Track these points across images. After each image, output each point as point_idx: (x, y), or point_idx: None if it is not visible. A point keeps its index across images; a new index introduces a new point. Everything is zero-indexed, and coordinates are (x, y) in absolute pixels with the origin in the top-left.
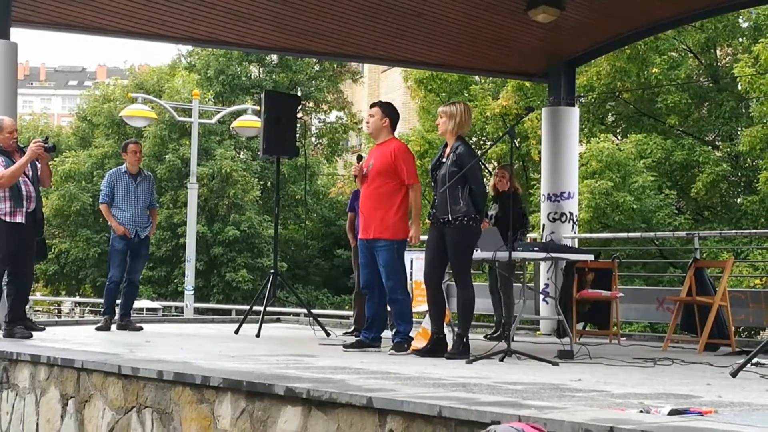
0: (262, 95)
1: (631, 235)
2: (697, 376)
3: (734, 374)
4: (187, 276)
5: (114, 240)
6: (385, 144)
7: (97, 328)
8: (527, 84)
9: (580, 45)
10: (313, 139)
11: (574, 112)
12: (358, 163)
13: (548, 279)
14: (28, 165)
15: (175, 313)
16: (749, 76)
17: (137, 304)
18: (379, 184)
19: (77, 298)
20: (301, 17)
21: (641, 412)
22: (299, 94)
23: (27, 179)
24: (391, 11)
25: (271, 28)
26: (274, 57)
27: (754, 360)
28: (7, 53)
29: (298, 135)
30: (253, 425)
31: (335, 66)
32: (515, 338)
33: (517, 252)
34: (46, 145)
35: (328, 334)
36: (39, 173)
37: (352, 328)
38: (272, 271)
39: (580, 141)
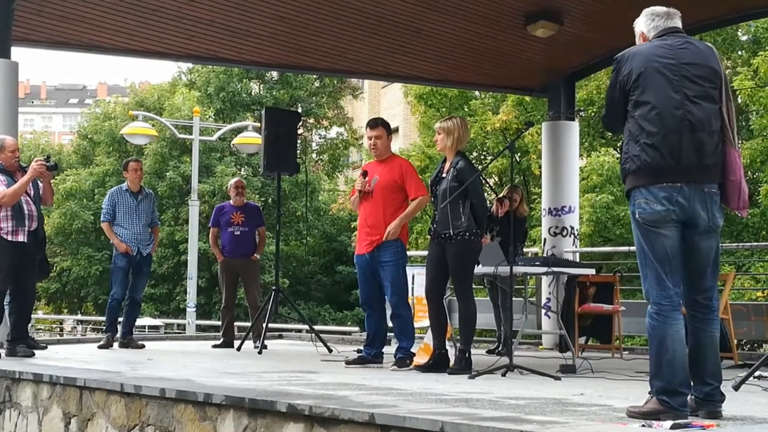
0: (263, 112)
1: (632, 248)
2: None
3: (736, 387)
4: (189, 293)
5: (116, 258)
6: (389, 160)
7: (100, 346)
8: (527, 99)
9: (579, 59)
10: (314, 155)
11: (574, 127)
12: (363, 178)
13: (550, 293)
14: (30, 184)
15: (177, 331)
16: (749, 89)
17: (139, 321)
18: (385, 199)
19: (79, 317)
20: (299, 33)
21: (643, 426)
22: (300, 110)
23: (29, 198)
24: (389, 27)
25: (270, 44)
26: (275, 73)
27: (757, 373)
28: (7, 72)
29: (298, 151)
30: None
31: (335, 82)
32: (517, 353)
33: (519, 266)
34: (48, 164)
35: (330, 350)
36: (41, 192)
37: (221, 340)
38: (274, 287)
39: (581, 155)
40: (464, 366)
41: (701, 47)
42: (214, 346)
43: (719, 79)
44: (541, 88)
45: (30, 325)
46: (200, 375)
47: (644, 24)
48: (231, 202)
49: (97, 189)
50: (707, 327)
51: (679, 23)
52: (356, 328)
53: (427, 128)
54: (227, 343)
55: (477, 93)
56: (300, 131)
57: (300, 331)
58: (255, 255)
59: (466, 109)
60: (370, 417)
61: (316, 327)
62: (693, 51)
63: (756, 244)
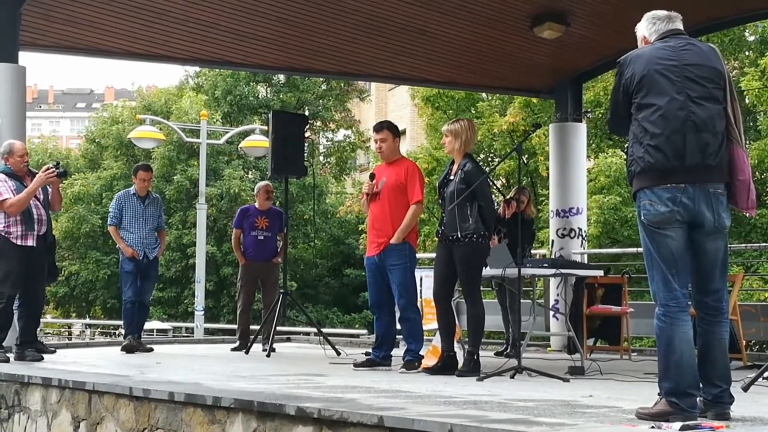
0: (270, 115)
1: (640, 249)
2: None
3: (745, 388)
4: (197, 296)
5: (123, 261)
6: (397, 162)
7: (123, 348)
8: (534, 100)
9: (586, 61)
10: (321, 158)
11: (582, 128)
12: (371, 181)
13: (558, 295)
14: (40, 189)
15: (185, 334)
16: (756, 90)
17: (148, 325)
18: (392, 201)
19: (88, 320)
20: (305, 36)
21: (653, 428)
22: (307, 113)
23: (38, 203)
24: (395, 29)
25: (276, 47)
26: (281, 77)
27: (766, 374)
28: (15, 77)
29: (306, 154)
30: None
31: (342, 85)
32: (526, 355)
33: (527, 268)
34: (58, 170)
35: (338, 353)
36: (49, 197)
37: (238, 344)
38: (282, 290)
39: (588, 156)
40: (473, 368)
41: (703, 48)
42: (233, 350)
43: (723, 80)
44: (548, 89)
45: (39, 329)
46: (209, 378)
47: (645, 28)
48: (256, 205)
49: (105, 193)
50: (716, 329)
51: (680, 26)
52: (364, 331)
53: (434, 130)
54: (245, 346)
55: (484, 95)
56: (307, 134)
57: (308, 334)
58: (277, 258)
59: (474, 111)
60: (379, 420)
61: (324, 330)
62: (695, 52)
63: (764, 244)
